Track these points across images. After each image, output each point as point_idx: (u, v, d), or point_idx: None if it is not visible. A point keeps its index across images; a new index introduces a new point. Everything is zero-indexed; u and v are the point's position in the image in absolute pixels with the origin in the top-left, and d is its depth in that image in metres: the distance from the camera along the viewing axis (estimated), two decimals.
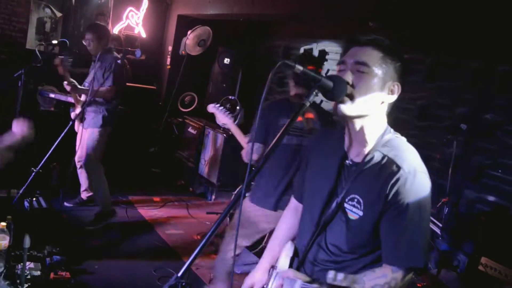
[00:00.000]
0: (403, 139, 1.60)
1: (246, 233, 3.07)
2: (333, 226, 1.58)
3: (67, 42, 4.77)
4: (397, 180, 1.45)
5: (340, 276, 1.34)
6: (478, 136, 4.16)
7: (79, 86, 4.37)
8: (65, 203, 4.73)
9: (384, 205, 1.47)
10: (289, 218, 1.93)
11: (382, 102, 1.53)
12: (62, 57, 4.25)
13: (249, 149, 2.98)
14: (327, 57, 5.93)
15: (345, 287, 1.36)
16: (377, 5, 4.14)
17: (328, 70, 5.89)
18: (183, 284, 1.28)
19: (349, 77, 1.48)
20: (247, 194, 3.13)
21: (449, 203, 3.93)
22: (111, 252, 3.90)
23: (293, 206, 1.92)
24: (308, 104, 1.40)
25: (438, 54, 4.59)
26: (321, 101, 5.88)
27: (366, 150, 1.56)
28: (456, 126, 3.93)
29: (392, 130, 1.59)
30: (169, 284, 1.26)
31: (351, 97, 1.47)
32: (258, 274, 1.89)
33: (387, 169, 1.48)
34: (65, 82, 4.30)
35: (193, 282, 3.68)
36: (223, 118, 3.32)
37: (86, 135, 4.39)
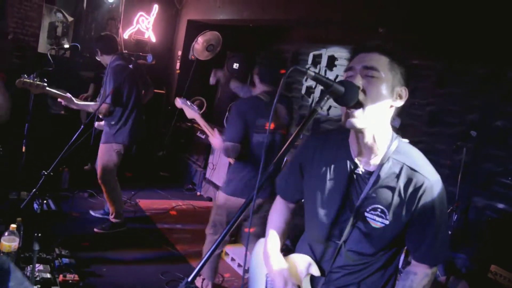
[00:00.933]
0: (407, 141, 1.64)
1: (226, 221, 3.27)
2: (353, 234, 1.62)
3: (79, 46, 4.81)
4: (424, 191, 1.53)
5: None
6: (489, 143, 4.13)
7: (74, 100, 4.21)
8: (91, 212, 4.74)
9: (412, 215, 1.56)
10: (283, 212, 1.96)
11: (391, 106, 1.55)
12: (20, 79, 3.84)
13: (231, 147, 3.07)
14: (336, 62, 5.94)
15: None
16: (386, 10, 4.14)
17: (337, 76, 5.90)
18: None
19: (359, 82, 1.49)
20: (220, 188, 3.36)
21: (458, 210, 3.90)
22: (119, 255, 3.91)
23: (282, 203, 1.96)
24: (319, 109, 1.40)
25: (448, 60, 4.57)
26: (330, 106, 5.89)
27: (379, 158, 1.59)
28: (466, 133, 3.91)
29: (395, 134, 1.62)
30: None
31: (362, 105, 1.48)
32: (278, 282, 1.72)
33: (411, 180, 1.54)
34: (59, 100, 4.19)
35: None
36: (191, 112, 3.36)
37: (100, 150, 4.42)
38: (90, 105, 4.36)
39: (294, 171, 1.84)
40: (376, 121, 1.52)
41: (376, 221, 1.57)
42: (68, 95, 4.18)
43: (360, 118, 1.48)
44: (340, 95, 1.44)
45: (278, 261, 1.75)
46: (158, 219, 5.09)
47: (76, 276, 3.34)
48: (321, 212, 1.68)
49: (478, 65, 4.30)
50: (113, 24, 6.52)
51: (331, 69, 6.00)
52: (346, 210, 1.62)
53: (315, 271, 1.71)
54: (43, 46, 6.15)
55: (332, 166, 1.66)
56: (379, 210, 1.57)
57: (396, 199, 1.55)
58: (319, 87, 6.04)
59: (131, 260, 3.87)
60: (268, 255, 1.78)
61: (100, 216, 4.73)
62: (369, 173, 1.59)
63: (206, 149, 6.33)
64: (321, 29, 6.15)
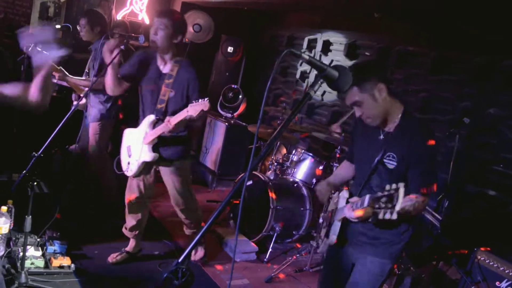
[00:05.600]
0: (407, 109, 2.33)
1: None
2: (377, 173, 2.33)
3: (70, 27, 4.75)
4: (418, 142, 2.21)
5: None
6: (481, 131, 4.15)
7: (68, 75, 4.29)
8: None
9: (409, 157, 2.22)
10: (345, 167, 2.75)
11: (384, 99, 2.23)
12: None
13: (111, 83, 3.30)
14: (331, 47, 5.91)
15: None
16: None
17: (332, 61, 5.87)
18: (184, 270, 1.29)
19: (357, 113, 2.29)
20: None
21: (450, 197, 3.93)
22: (111, 238, 3.91)
23: (346, 164, 2.74)
24: (313, 94, 1.39)
25: (442, 47, 4.56)
26: (324, 91, 5.88)
27: (394, 125, 2.30)
28: (459, 120, 3.92)
29: (404, 109, 2.30)
30: (170, 270, 1.27)
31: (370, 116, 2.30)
32: (324, 185, 2.68)
33: (408, 133, 2.24)
34: (53, 73, 4.19)
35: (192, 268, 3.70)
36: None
37: (90, 130, 4.37)
38: (83, 80, 4.34)
39: (351, 142, 2.69)
40: (383, 114, 2.26)
41: (390, 163, 2.27)
42: (62, 69, 4.23)
43: (371, 119, 2.28)
44: (334, 80, 1.44)
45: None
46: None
47: (68, 258, 3.34)
48: (361, 163, 2.49)
49: (472, 53, 4.29)
50: (106, 5, 6.42)
51: (326, 54, 5.97)
52: (374, 160, 2.32)
53: (347, 195, 2.47)
54: (34, 26, 6.06)
55: (368, 136, 2.40)
56: (391, 156, 2.27)
57: (400, 148, 2.24)
58: (314, 72, 6.02)
59: (122, 242, 3.86)
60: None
61: None
62: (387, 134, 2.32)
63: (199, 133, 6.31)
64: (316, 14, 6.10)
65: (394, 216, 1.89)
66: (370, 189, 2.36)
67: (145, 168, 3.46)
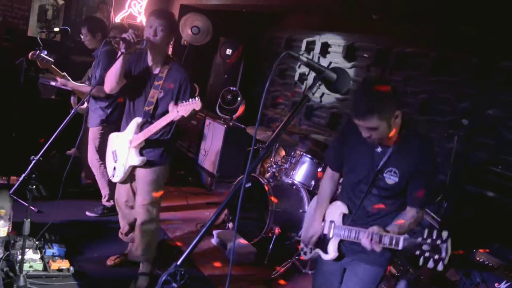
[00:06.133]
0: (406, 122, 2.25)
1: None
2: (376, 187, 2.28)
3: (69, 29, 4.75)
4: (419, 158, 2.19)
5: (392, 226, 2.20)
6: (480, 132, 4.15)
7: (70, 80, 4.36)
8: (87, 213, 4.50)
9: (412, 172, 2.20)
10: (329, 183, 2.60)
11: (397, 124, 2.17)
12: (36, 51, 4.21)
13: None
14: (329, 49, 5.92)
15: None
16: None
17: (330, 63, 5.87)
18: (182, 272, 1.29)
19: (366, 134, 2.17)
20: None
21: (449, 198, 3.93)
22: (111, 241, 3.90)
23: (331, 175, 2.61)
24: (311, 96, 1.39)
25: (442, 48, 4.57)
26: (323, 93, 5.88)
27: (393, 140, 2.24)
28: (458, 121, 3.92)
29: (402, 122, 2.21)
30: (169, 272, 1.27)
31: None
32: (316, 225, 2.51)
33: (413, 149, 2.21)
34: (57, 78, 4.33)
35: (190, 270, 3.70)
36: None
37: (90, 134, 4.37)
38: (84, 86, 4.37)
39: (337, 147, 2.53)
40: (389, 133, 2.18)
41: (390, 179, 2.24)
42: (65, 75, 4.32)
43: (378, 140, 2.22)
44: (332, 82, 1.44)
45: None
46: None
47: (66, 261, 3.33)
48: (355, 174, 2.39)
49: (471, 54, 4.29)
50: (105, 8, 6.43)
51: (324, 56, 5.98)
52: (371, 173, 2.29)
53: (345, 210, 2.40)
54: (33, 29, 6.07)
55: (362, 145, 2.30)
56: (392, 171, 2.23)
57: (403, 164, 2.21)
58: (312, 74, 6.02)
59: (121, 245, 3.86)
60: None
61: (97, 216, 4.60)
62: (387, 147, 2.25)
63: (198, 135, 6.31)
64: (315, 16, 6.11)
65: (441, 268, 1.88)
66: (369, 203, 2.34)
67: (132, 172, 3.36)
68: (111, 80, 3.13)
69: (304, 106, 1.38)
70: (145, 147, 3.25)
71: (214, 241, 4.40)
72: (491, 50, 4.12)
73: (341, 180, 2.61)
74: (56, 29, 5.13)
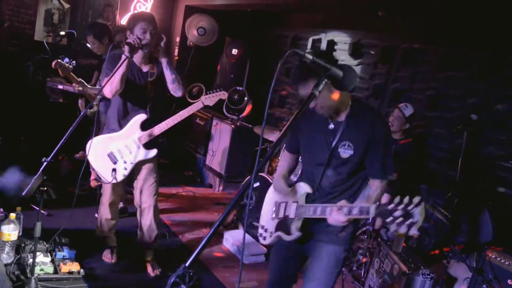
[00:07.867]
0: (355, 97, 2.28)
1: None
2: (332, 164, 2.32)
3: (75, 33, 4.77)
4: (374, 128, 2.22)
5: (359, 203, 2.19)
6: (489, 127, 4.11)
7: (87, 85, 4.40)
8: (96, 215, 4.54)
9: (368, 143, 2.24)
10: (288, 158, 2.63)
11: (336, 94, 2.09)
12: (58, 60, 4.29)
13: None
14: (336, 47, 5.90)
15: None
16: None
17: (336, 60, 5.85)
18: (191, 274, 1.28)
19: (312, 104, 2.10)
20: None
21: (459, 194, 3.89)
22: (120, 242, 3.91)
23: (288, 155, 2.63)
24: (317, 94, 1.38)
25: (449, 44, 4.53)
26: None
27: (345, 115, 2.26)
28: (467, 117, 3.88)
29: (350, 96, 2.21)
30: (177, 274, 1.26)
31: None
32: (281, 183, 2.55)
33: (366, 121, 2.24)
34: (73, 84, 4.35)
35: (200, 272, 3.70)
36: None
37: None
38: (97, 90, 4.40)
39: (293, 132, 2.53)
40: (336, 107, 2.20)
41: (345, 152, 2.27)
42: (82, 80, 4.38)
43: (322, 110, 2.19)
44: (338, 79, 1.43)
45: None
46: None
47: (77, 263, 3.35)
48: (312, 154, 2.43)
49: (479, 49, 4.25)
50: (110, 11, 6.45)
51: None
52: (326, 149, 2.31)
53: (309, 189, 2.41)
54: (39, 33, 6.10)
55: (316, 126, 2.35)
56: (346, 145, 2.26)
57: (357, 135, 2.24)
58: None
59: (131, 247, 3.87)
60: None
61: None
62: (339, 123, 2.27)
63: (206, 136, 6.31)
64: (320, 14, 6.09)
65: (414, 232, 1.88)
66: (327, 180, 2.38)
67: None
68: (116, 85, 3.17)
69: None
70: (151, 139, 3.41)
71: (224, 242, 4.40)
72: (499, 45, 4.08)
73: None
74: (62, 33, 5.17)
